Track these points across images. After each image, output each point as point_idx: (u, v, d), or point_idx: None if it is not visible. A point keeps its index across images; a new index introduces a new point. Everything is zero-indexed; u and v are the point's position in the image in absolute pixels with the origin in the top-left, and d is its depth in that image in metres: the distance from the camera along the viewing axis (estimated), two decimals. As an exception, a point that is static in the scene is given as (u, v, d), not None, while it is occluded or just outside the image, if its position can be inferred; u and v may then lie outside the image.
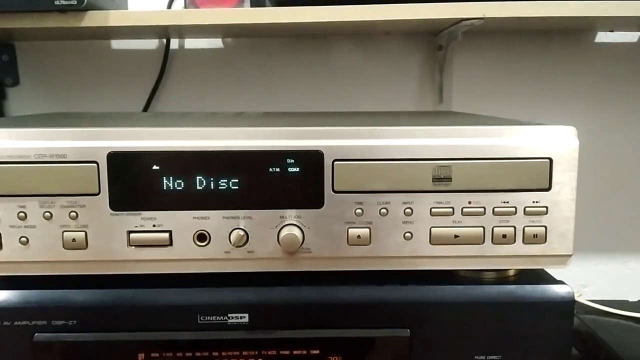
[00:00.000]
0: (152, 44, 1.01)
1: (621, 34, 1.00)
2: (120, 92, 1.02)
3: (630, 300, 0.87)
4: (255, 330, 0.54)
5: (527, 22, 0.86)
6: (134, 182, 0.52)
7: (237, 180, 0.52)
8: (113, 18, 0.78)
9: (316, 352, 0.54)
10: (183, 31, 0.95)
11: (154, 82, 1.00)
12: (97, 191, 0.52)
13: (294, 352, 0.54)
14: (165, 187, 0.52)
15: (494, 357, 0.55)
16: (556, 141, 0.53)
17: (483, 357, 0.55)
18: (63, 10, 0.75)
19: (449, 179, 0.53)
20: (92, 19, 0.77)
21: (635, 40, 1.00)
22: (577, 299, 0.86)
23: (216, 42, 1.02)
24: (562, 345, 0.55)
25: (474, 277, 0.57)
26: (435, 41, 0.98)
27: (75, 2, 0.74)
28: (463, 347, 0.55)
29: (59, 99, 1.02)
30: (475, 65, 1.01)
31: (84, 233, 0.52)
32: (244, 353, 0.54)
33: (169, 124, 0.59)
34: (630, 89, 1.01)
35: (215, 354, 0.54)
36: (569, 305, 0.55)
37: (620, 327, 0.79)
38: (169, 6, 0.98)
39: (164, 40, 1.00)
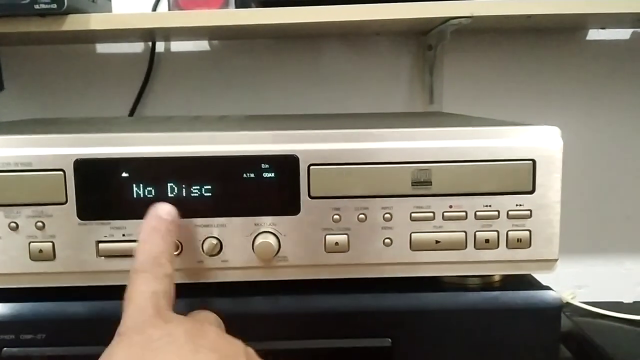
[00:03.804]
0: (137, 47, 1.00)
1: (613, 32, 0.98)
2: (106, 96, 1.01)
3: (625, 301, 0.86)
4: (231, 342, 0.52)
5: (517, 21, 0.84)
6: (102, 190, 0.50)
7: (209, 187, 0.51)
8: (94, 21, 0.77)
9: (294, 363, 0.53)
10: (169, 34, 0.94)
11: (140, 86, 0.99)
12: (64, 200, 0.50)
13: (271, 364, 0.53)
14: (135, 195, 0.50)
15: (478, 366, 0.53)
16: (539, 142, 0.51)
17: (467, 366, 0.54)
18: (43, 14, 0.74)
19: (429, 183, 0.51)
20: (73, 23, 0.76)
21: (627, 37, 0.99)
22: (570, 301, 0.84)
23: (202, 45, 1.00)
24: (549, 352, 0.54)
25: (458, 284, 0.55)
26: (424, 41, 0.97)
27: (56, 6, 0.72)
28: (447, 356, 0.53)
29: (45, 105, 1.01)
30: (466, 65, 1.00)
31: (51, 244, 0.51)
32: (220, 365, 0.52)
33: (145, 129, 0.57)
34: (623, 86, 1.00)
35: (189, 366, 0.52)
36: (555, 311, 0.53)
37: (614, 330, 0.78)
38: (154, 9, 0.97)
39: (150, 44, 0.99)
